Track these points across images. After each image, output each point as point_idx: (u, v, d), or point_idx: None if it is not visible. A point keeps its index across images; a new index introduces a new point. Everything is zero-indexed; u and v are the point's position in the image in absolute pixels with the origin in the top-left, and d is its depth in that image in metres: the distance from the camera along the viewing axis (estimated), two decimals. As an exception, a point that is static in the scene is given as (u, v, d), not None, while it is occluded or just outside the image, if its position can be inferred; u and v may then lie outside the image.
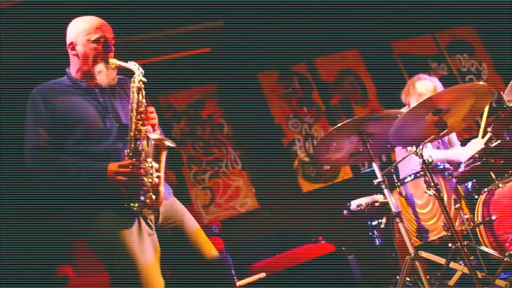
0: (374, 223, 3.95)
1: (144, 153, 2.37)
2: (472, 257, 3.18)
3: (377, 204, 3.81)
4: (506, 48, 6.44)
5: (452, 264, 3.17)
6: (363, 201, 3.87)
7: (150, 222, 2.41)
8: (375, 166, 3.24)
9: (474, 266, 2.93)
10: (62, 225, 4.83)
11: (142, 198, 2.31)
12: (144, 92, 2.50)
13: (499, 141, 3.36)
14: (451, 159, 4.01)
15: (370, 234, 3.99)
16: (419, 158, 3.00)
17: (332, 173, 6.21)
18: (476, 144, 3.86)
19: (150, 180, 2.33)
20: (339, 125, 3.19)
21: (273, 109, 6.38)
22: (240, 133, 6.13)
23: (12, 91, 5.16)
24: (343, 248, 4.46)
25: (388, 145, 3.45)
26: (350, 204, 3.94)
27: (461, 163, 3.82)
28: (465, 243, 2.90)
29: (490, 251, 3.16)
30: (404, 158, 3.50)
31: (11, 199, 4.85)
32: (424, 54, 7.04)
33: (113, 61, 2.54)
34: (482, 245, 3.24)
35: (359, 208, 3.86)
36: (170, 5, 5.09)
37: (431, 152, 3.99)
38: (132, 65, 2.53)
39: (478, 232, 3.29)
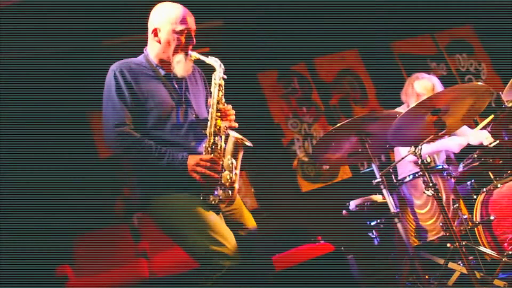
0: (373, 223, 3.95)
1: (221, 149, 2.45)
2: (470, 257, 3.18)
3: (376, 204, 3.81)
4: (505, 48, 6.45)
5: (451, 264, 3.17)
6: (362, 201, 3.87)
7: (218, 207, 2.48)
8: (374, 166, 3.24)
9: (472, 266, 2.93)
10: (62, 225, 4.85)
11: (217, 192, 2.37)
12: (224, 89, 2.57)
13: (497, 141, 3.37)
14: (440, 150, 4.00)
15: (369, 234, 3.99)
16: (418, 158, 3.01)
17: (331, 173, 6.21)
18: (470, 136, 3.86)
19: (230, 176, 2.39)
20: (338, 125, 3.19)
21: (273, 109, 6.39)
22: (239, 133, 6.11)
23: (12, 91, 5.18)
24: (342, 248, 4.45)
25: (387, 145, 3.45)
26: (349, 204, 3.94)
27: (459, 163, 3.82)
28: (464, 243, 2.90)
29: (488, 251, 3.17)
30: (402, 158, 3.51)
31: (11, 199, 4.86)
32: (424, 54, 7.05)
33: (195, 54, 2.58)
34: (480, 245, 3.25)
35: (358, 208, 3.86)
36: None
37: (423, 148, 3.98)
38: (213, 61, 2.60)
39: (476, 232, 3.29)
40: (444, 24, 7.10)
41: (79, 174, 5.20)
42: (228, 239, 2.34)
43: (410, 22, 6.54)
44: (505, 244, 3.14)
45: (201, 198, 2.36)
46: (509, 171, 3.40)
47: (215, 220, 2.36)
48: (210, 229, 2.31)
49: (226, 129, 2.50)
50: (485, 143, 3.61)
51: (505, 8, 6.50)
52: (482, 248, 3.18)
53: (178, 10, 2.59)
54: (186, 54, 2.57)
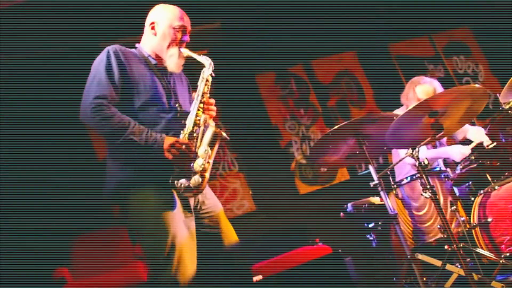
0: (370, 225, 3.95)
1: (198, 138, 2.49)
2: (468, 259, 3.19)
3: (373, 206, 3.81)
4: (503, 49, 6.46)
5: (448, 266, 3.17)
6: (360, 203, 3.88)
7: (190, 204, 2.48)
8: (371, 168, 3.24)
9: (470, 268, 2.93)
10: (59, 227, 4.84)
11: (186, 179, 2.39)
12: (210, 85, 2.63)
13: (495, 143, 3.37)
14: (442, 157, 4.01)
15: (367, 236, 3.99)
16: (415, 160, 3.01)
17: (329, 175, 6.21)
18: (470, 131, 3.87)
19: (203, 164, 2.42)
20: (336, 127, 3.19)
21: (270, 111, 6.38)
22: (237, 135, 6.12)
23: (10, 93, 5.17)
24: (340, 250, 4.45)
25: (385, 147, 3.46)
26: (347, 206, 3.94)
27: (457, 164, 3.82)
28: (461, 245, 2.90)
29: (486, 253, 3.17)
30: (400, 160, 3.51)
31: (8, 200, 4.85)
32: (421, 56, 7.06)
33: (186, 51, 2.65)
34: (478, 247, 3.25)
35: (356, 210, 3.86)
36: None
37: (422, 152, 3.99)
38: (204, 59, 2.65)
39: (474, 234, 3.30)
40: (441, 26, 7.11)
41: (77, 175, 5.19)
42: (189, 262, 2.33)
43: (407, 24, 6.56)
44: (503, 246, 3.14)
45: (170, 181, 2.37)
46: (506, 173, 3.41)
47: (185, 238, 2.35)
48: (175, 246, 2.30)
49: (206, 121, 2.54)
50: (485, 144, 3.61)
51: (502, 10, 6.51)
52: (479, 250, 3.19)
53: (177, 9, 2.72)
54: (179, 50, 2.64)
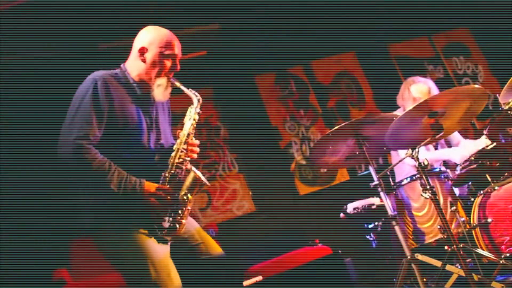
0: (370, 225, 3.95)
1: (179, 181, 2.42)
2: (468, 260, 3.19)
3: (373, 207, 3.81)
4: (502, 50, 6.47)
5: (448, 267, 3.17)
6: (360, 204, 3.87)
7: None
8: (371, 169, 3.24)
9: (470, 268, 2.93)
10: (59, 228, 4.84)
11: (165, 224, 2.35)
12: (195, 125, 2.54)
13: (494, 144, 3.37)
14: (443, 159, 4.02)
15: (367, 237, 3.99)
16: (415, 161, 3.01)
17: (329, 176, 6.21)
18: (471, 145, 3.87)
19: (182, 211, 2.38)
20: (335, 128, 3.19)
21: (270, 112, 6.38)
22: (237, 136, 6.13)
23: (13, 92, 5.17)
24: (340, 251, 4.45)
25: (385, 148, 3.46)
26: (346, 207, 3.94)
27: (455, 163, 3.82)
28: (461, 245, 2.90)
29: (486, 253, 3.17)
30: (400, 161, 3.51)
31: (7, 201, 4.84)
32: (421, 57, 7.06)
33: (177, 83, 2.57)
34: (478, 247, 3.25)
35: (355, 211, 3.86)
36: (166, 8, 5.10)
37: (424, 154, 4.00)
38: (193, 95, 2.58)
39: (474, 234, 3.29)
40: (441, 27, 7.12)
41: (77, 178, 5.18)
42: (171, 281, 2.30)
43: (407, 24, 6.56)
44: (503, 247, 3.14)
45: (149, 229, 2.33)
46: (506, 174, 3.41)
47: (162, 258, 2.33)
48: (154, 267, 2.27)
49: (187, 164, 2.47)
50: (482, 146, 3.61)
51: (502, 11, 6.51)
52: (479, 251, 3.18)
53: (167, 35, 2.60)
54: (169, 80, 2.56)
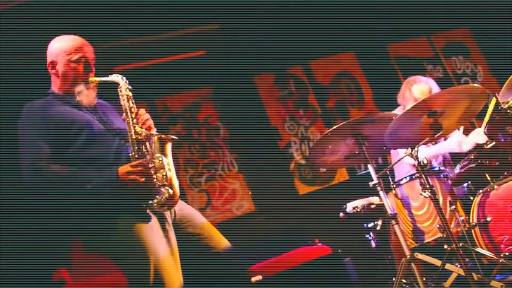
0: (370, 225, 3.95)
1: (149, 152, 2.39)
2: (467, 259, 3.19)
3: (373, 206, 3.82)
4: (501, 50, 6.47)
5: (448, 266, 3.17)
6: (359, 203, 3.88)
7: (167, 218, 2.44)
8: (370, 168, 3.25)
9: (469, 267, 2.93)
10: (59, 228, 4.83)
11: (158, 196, 2.32)
12: (133, 99, 2.50)
13: (494, 143, 3.37)
14: (443, 152, 4.01)
15: (366, 236, 4.00)
16: (414, 160, 3.01)
17: (328, 176, 6.21)
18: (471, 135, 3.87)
19: (165, 174, 2.34)
20: (334, 127, 3.19)
21: (269, 112, 6.39)
22: (237, 136, 6.13)
23: (13, 92, 5.17)
24: (339, 251, 4.46)
25: (384, 147, 3.46)
26: (346, 206, 3.94)
27: (455, 165, 3.83)
28: (461, 244, 2.91)
29: (485, 252, 3.17)
30: (399, 160, 3.51)
31: (6, 202, 4.84)
32: (420, 56, 7.06)
33: (93, 79, 2.53)
34: (477, 246, 3.25)
35: (355, 210, 3.86)
36: (166, 8, 5.10)
37: (423, 151, 4.00)
38: (115, 77, 2.52)
39: (473, 233, 3.30)
40: (440, 27, 7.12)
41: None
42: (172, 278, 2.29)
43: (406, 24, 6.55)
44: (502, 246, 3.14)
45: (144, 205, 2.31)
46: (505, 173, 3.41)
47: (165, 253, 2.32)
48: (155, 263, 2.26)
49: (148, 133, 2.44)
50: (480, 141, 3.61)
51: (501, 11, 6.52)
52: (479, 250, 3.19)
53: (72, 39, 2.57)
54: (87, 83, 2.52)
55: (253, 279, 4.12)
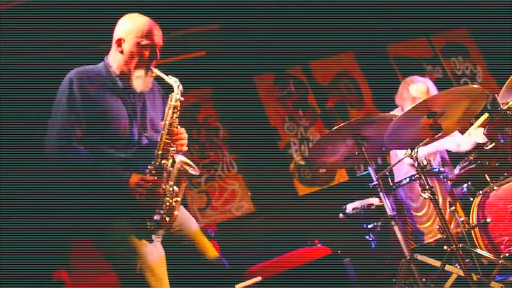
0: (369, 226, 3.95)
1: (166, 173, 2.37)
2: (467, 260, 3.19)
3: (372, 207, 3.81)
4: (501, 50, 6.47)
5: (448, 267, 3.17)
6: (359, 204, 3.87)
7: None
8: (370, 169, 3.25)
9: (469, 268, 2.93)
10: (58, 229, 4.83)
11: (156, 217, 2.31)
12: (179, 112, 2.48)
13: (493, 144, 3.37)
14: (440, 149, 4.02)
15: (366, 237, 3.99)
16: (414, 161, 3.01)
17: (328, 176, 6.21)
18: (462, 136, 3.89)
19: (168, 203, 2.33)
20: (334, 128, 3.19)
21: (269, 112, 6.38)
22: (236, 136, 6.13)
23: (13, 93, 5.17)
24: (339, 251, 4.46)
25: (383, 148, 3.46)
26: (346, 207, 3.94)
27: (455, 166, 3.83)
28: (460, 245, 2.90)
29: (485, 253, 3.17)
30: (399, 161, 3.51)
31: (5, 202, 4.83)
32: (419, 57, 7.06)
33: (156, 71, 2.51)
34: (477, 247, 3.25)
35: (354, 211, 3.86)
36: (165, 9, 5.09)
37: (420, 150, 3.99)
38: (173, 81, 2.51)
39: (473, 234, 3.29)
40: (439, 27, 7.12)
41: (75, 179, 5.17)
42: (162, 284, 2.30)
43: (405, 25, 6.56)
44: (502, 247, 3.14)
45: (140, 221, 2.31)
46: (505, 174, 3.41)
47: (155, 260, 2.32)
48: (146, 268, 2.27)
49: (174, 153, 2.42)
50: (480, 140, 3.61)
51: (500, 11, 6.52)
52: (478, 251, 3.19)
53: (145, 23, 2.51)
54: (148, 70, 2.50)
55: (253, 280, 4.11)
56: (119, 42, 2.50)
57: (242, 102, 6.17)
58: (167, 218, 2.33)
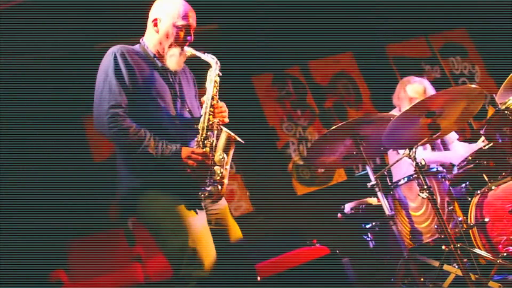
0: (368, 225, 3.95)
1: (213, 144, 2.45)
2: (465, 259, 3.19)
3: (371, 207, 3.81)
4: (499, 50, 6.48)
5: (446, 267, 3.18)
6: (357, 204, 3.87)
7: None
8: (368, 169, 3.25)
9: (467, 268, 2.93)
10: (57, 229, 4.83)
11: (208, 188, 2.38)
12: (219, 86, 2.56)
13: (491, 144, 3.37)
14: (443, 162, 4.02)
15: (364, 237, 3.99)
16: (412, 161, 3.01)
17: (326, 176, 6.21)
18: (467, 149, 3.89)
19: (221, 172, 2.41)
20: (333, 128, 3.19)
21: (267, 112, 6.38)
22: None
23: (13, 92, 5.17)
24: (338, 251, 4.45)
25: (382, 148, 3.46)
26: (344, 207, 3.94)
27: (454, 165, 3.83)
28: (459, 245, 2.90)
29: (483, 253, 3.17)
30: (397, 161, 3.51)
31: (3, 203, 4.83)
32: (418, 57, 7.07)
33: (191, 50, 2.57)
34: (475, 247, 3.25)
35: (353, 211, 3.86)
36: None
37: (423, 154, 4.00)
38: (210, 58, 2.59)
39: (471, 234, 3.30)
40: (438, 27, 7.13)
41: (73, 177, 5.18)
42: (208, 251, 2.32)
43: (404, 25, 6.57)
44: (500, 246, 3.14)
45: (192, 192, 2.35)
46: (503, 173, 3.41)
47: (200, 228, 2.34)
48: (192, 237, 2.29)
49: (219, 125, 2.50)
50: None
51: (498, 11, 6.53)
52: (477, 250, 3.19)
53: (181, 5, 2.58)
54: (182, 50, 2.56)
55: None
56: (156, 21, 2.56)
57: (241, 102, 6.16)
58: (219, 186, 2.41)
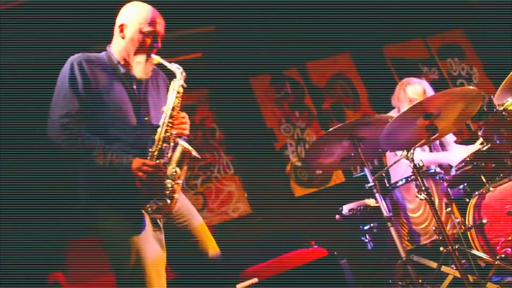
0: (366, 227, 3.95)
1: (168, 156, 2.38)
2: (463, 261, 3.19)
3: (369, 208, 3.81)
4: (497, 52, 6.49)
5: (444, 268, 3.17)
6: (355, 205, 3.87)
7: (158, 221, 2.41)
8: (366, 171, 3.25)
9: (465, 269, 2.93)
10: (54, 231, 4.82)
11: (157, 201, 2.30)
12: (181, 98, 2.49)
13: (489, 145, 3.37)
14: (441, 162, 4.03)
15: (362, 238, 3.99)
16: (410, 162, 3.01)
17: (324, 178, 6.21)
18: (465, 150, 3.88)
19: (171, 185, 2.32)
20: (331, 129, 3.19)
21: (265, 114, 6.38)
22: (232, 138, 6.12)
23: (12, 92, 5.15)
24: (336, 253, 4.45)
25: (380, 149, 3.46)
26: (342, 208, 3.94)
27: (451, 166, 3.83)
28: (457, 246, 2.90)
29: (481, 254, 3.17)
30: (395, 162, 3.51)
31: (4, 204, 4.82)
32: (415, 58, 7.07)
33: (157, 58, 2.52)
34: (473, 248, 3.25)
35: (351, 212, 3.86)
36: (161, 10, 5.09)
37: (421, 155, 4.01)
38: (175, 68, 2.53)
39: (469, 235, 3.30)
40: (436, 28, 7.13)
41: (71, 179, 5.16)
42: (157, 271, 2.29)
43: (402, 26, 6.57)
44: (498, 247, 3.14)
45: (140, 205, 2.30)
46: (501, 175, 3.41)
47: (149, 249, 2.30)
48: (137, 257, 2.27)
49: (175, 137, 2.42)
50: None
51: (496, 12, 6.54)
52: (475, 252, 3.19)
53: (149, 11, 2.53)
54: (148, 57, 2.51)
55: (249, 281, 4.11)
56: (122, 27, 2.53)
57: (239, 103, 6.17)
58: (168, 201, 2.31)
